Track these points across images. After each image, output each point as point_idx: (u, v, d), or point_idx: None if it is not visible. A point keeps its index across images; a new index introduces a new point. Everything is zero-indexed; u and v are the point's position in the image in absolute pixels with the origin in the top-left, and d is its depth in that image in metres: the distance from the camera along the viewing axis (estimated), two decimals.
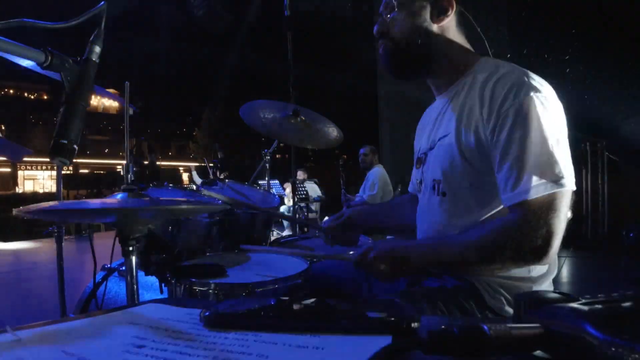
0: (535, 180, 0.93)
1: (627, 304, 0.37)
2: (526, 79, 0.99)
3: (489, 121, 1.00)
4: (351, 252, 1.12)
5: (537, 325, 0.38)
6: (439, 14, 1.13)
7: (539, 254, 0.94)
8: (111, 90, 1.69)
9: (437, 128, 1.19)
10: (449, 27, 1.15)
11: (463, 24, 1.17)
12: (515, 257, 0.96)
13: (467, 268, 1.04)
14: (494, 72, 1.05)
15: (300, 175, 6.84)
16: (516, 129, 0.96)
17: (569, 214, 0.98)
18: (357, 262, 1.07)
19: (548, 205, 0.93)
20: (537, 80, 1.00)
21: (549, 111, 0.96)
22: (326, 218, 1.49)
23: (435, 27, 1.13)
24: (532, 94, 0.96)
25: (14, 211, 0.80)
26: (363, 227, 1.45)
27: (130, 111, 1.01)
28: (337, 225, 1.40)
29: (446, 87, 1.19)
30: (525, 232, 0.93)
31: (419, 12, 1.13)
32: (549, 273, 1.09)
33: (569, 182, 0.94)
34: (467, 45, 1.18)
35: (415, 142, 1.41)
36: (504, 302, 1.05)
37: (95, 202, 0.90)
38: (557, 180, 0.93)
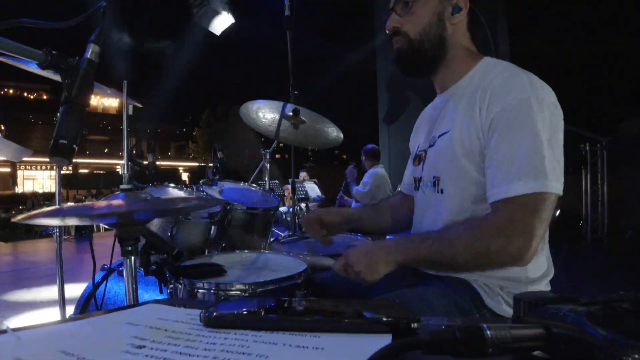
0: (518, 179, 0.93)
1: (626, 304, 0.37)
2: (527, 80, 0.99)
3: (486, 119, 1.01)
4: (332, 262, 1.12)
5: (537, 326, 0.38)
6: (453, 12, 1.12)
7: (515, 254, 0.93)
8: (112, 89, 1.69)
9: (437, 125, 1.19)
10: (461, 26, 1.15)
11: (472, 23, 1.17)
12: (491, 256, 0.95)
13: (445, 265, 1.03)
14: (495, 72, 1.06)
15: (303, 176, 6.81)
16: (509, 128, 0.96)
17: (556, 213, 0.97)
18: (338, 270, 1.06)
19: (528, 206, 0.93)
20: (537, 83, 1.00)
21: (544, 114, 0.96)
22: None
23: (448, 26, 1.13)
24: (530, 95, 0.96)
25: (13, 219, 0.80)
26: (341, 228, 1.42)
27: (130, 110, 1.01)
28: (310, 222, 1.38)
29: (449, 84, 1.19)
30: (503, 231, 0.93)
31: (435, 9, 1.12)
32: (546, 274, 1.09)
33: (554, 185, 0.93)
34: (472, 44, 1.19)
35: (411, 140, 1.40)
36: (502, 302, 1.05)
37: (99, 207, 0.89)
38: (541, 181, 0.92)
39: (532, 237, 0.93)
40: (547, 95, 0.99)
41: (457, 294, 1.07)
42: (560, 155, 0.97)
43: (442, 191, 1.12)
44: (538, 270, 1.06)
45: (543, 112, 0.96)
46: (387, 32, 1.18)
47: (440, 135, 1.14)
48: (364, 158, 5.17)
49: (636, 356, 0.30)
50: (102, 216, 0.90)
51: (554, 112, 0.99)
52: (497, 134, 0.98)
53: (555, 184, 0.94)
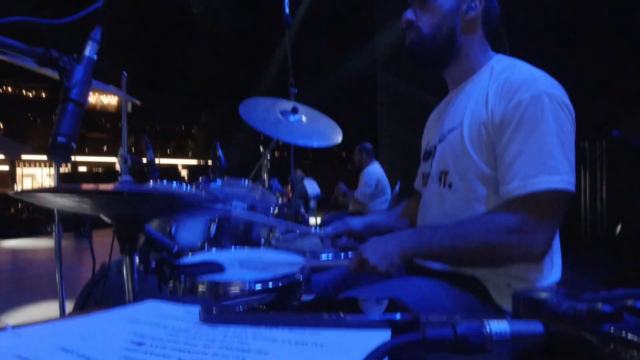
0: (530, 177, 0.94)
1: (626, 301, 0.37)
2: (539, 76, 1.00)
3: (497, 116, 1.01)
4: (343, 258, 1.11)
5: (536, 322, 0.38)
6: (467, 10, 1.13)
7: (528, 251, 0.95)
8: (110, 86, 1.69)
9: (447, 121, 1.20)
10: (474, 23, 1.15)
11: (485, 20, 1.17)
12: (503, 253, 0.96)
13: (456, 260, 1.03)
14: (507, 69, 1.07)
15: (299, 174, 6.83)
16: (522, 125, 0.97)
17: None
18: (354, 268, 1.02)
19: (540, 203, 0.94)
20: (549, 80, 1.01)
21: (557, 112, 0.96)
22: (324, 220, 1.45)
23: (462, 22, 1.14)
24: (542, 92, 0.97)
25: (10, 193, 0.82)
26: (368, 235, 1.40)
27: (130, 107, 1.01)
28: (339, 235, 1.37)
29: (461, 81, 1.20)
30: (516, 228, 0.93)
31: (450, 6, 1.13)
32: (555, 273, 1.09)
33: (565, 182, 0.94)
34: (486, 41, 1.19)
35: (423, 137, 1.41)
36: (510, 300, 1.04)
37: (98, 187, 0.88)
38: (552, 178, 0.93)
39: (544, 234, 0.93)
40: (558, 92, 0.99)
41: (464, 289, 1.07)
42: (572, 153, 0.97)
43: (450, 186, 1.12)
44: (547, 268, 1.06)
45: (555, 108, 0.96)
46: (402, 25, 1.19)
47: (449, 131, 1.15)
48: (363, 156, 5.16)
49: (636, 354, 0.30)
50: (103, 204, 0.90)
51: (566, 110, 0.99)
52: (509, 130, 0.98)
53: (567, 181, 0.94)
